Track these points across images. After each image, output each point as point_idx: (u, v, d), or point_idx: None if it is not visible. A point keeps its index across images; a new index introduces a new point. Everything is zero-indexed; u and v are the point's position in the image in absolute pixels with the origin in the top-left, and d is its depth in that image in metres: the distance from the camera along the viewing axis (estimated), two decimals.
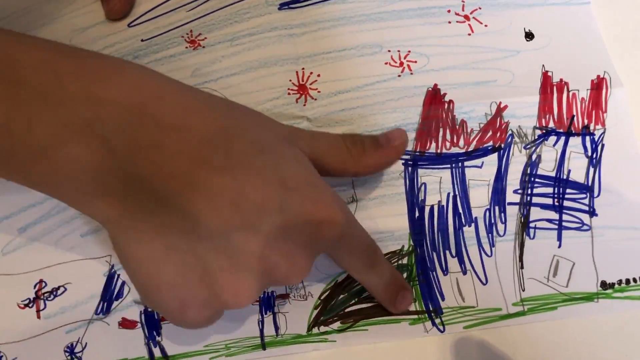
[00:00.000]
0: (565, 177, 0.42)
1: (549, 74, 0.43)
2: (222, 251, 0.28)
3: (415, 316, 0.39)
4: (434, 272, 0.40)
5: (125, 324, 0.37)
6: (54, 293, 0.38)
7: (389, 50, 0.44)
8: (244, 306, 0.30)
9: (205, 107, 0.30)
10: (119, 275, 0.38)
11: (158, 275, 0.28)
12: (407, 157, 0.42)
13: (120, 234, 0.29)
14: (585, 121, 0.43)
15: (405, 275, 0.40)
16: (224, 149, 0.28)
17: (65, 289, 0.38)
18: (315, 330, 0.39)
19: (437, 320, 0.39)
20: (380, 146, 0.38)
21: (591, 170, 0.42)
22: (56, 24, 0.43)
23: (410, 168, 0.41)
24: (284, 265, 0.30)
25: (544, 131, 0.42)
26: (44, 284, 0.38)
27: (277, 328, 0.38)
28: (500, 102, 0.43)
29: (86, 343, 0.37)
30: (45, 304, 0.37)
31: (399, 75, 0.43)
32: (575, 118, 0.43)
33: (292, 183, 0.30)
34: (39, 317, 0.37)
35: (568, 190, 0.41)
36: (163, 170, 0.27)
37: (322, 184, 0.32)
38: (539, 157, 0.42)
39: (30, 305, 0.37)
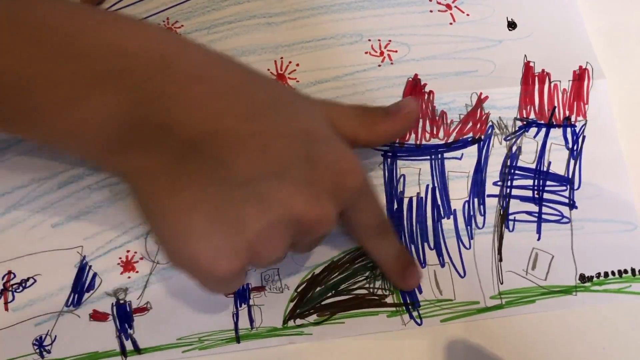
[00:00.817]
0: (545, 169, 0.41)
1: (531, 64, 0.43)
2: (252, 198, 0.28)
3: (393, 309, 0.39)
4: None
5: (97, 316, 0.37)
6: (23, 285, 0.37)
7: (369, 40, 0.43)
8: (273, 259, 0.29)
9: (225, 61, 0.31)
10: (90, 267, 0.37)
11: (189, 225, 0.27)
12: (386, 148, 0.41)
13: (146, 185, 0.28)
14: (567, 112, 0.42)
15: None
16: (247, 98, 0.29)
17: (35, 281, 0.37)
18: (291, 323, 0.38)
19: (415, 313, 0.39)
20: (391, 115, 0.37)
21: (572, 162, 0.41)
22: None
23: (389, 159, 0.41)
24: (312, 211, 0.29)
25: (525, 122, 0.42)
26: (12, 276, 0.37)
27: (252, 321, 0.38)
28: (480, 93, 0.42)
29: (56, 336, 0.36)
30: (13, 296, 0.37)
31: (379, 65, 0.43)
32: (556, 109, 0.42)
33: (315, 135, 0.30)
34: (6, 309, 0.37)
35: (548, 183, 0.41)
36: (191, 118, 0.27)
37: (340, 139, 0.32)
38: (519, 148, 0.41)
39: None
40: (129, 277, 0.37)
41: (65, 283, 0.37)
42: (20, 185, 0.38)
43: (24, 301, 0.37)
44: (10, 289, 0.37)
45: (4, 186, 0.38)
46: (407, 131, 0.41)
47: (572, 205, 0.41)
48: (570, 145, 0.41)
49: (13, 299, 0.37)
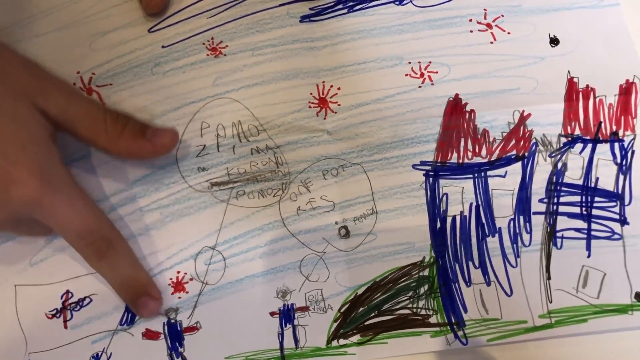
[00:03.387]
0: (593, 185, 0.40)
1: (575, 80, 0.42)
2: None
3: (437, 329, 0.38)
4: (457, 284, 0.39)
5: (149, 334, 0.38)
6: (80, 304, 0.39)
7: (410, 62, 0.44)
8: None
9: None
10: None
11: None
12: (428, 167, 0.41)
13: None
14: (614, 127, 0.41)
15: (426, 286, 0.39)
16: None
17: (91, 300, 0.39)
18: (334, 343, 0.38)
19: (460, 333, 0.38)
20: (143, 137, 0.38)
21: (621, 177, 0.40)
22: (76, 27, 0.44)
23: (431, 179, 0.41)
24: None
25: (570, 138, 0.41)
26: (70, 295, 0.39)
27: (296, 341, 0.38)
28: (523, 110, 0.42)
29: (111, 353, 0.38)
30: (71, 314, 0.39)
31: (420, 87, 0.43)
32: (602, 124, 0.41)
33: None
34: (65, 327, 0.38)
35: (597, 199, 0.40)
36: None
37: (32, 149, 0.34)
38: (564, 165, 0.41)
39: (57, 315, 0.39)
40: (180, 297, 0.39)
41: (120, 302, 0.39)
42: None
43: (82, 319, 0.39)
44: (68, 307, 0.39)
45: None
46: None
47: (623, 221, 0.39)
48: (618, 160, 0.40)
49: (71, 317, 0.39)
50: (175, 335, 0.38)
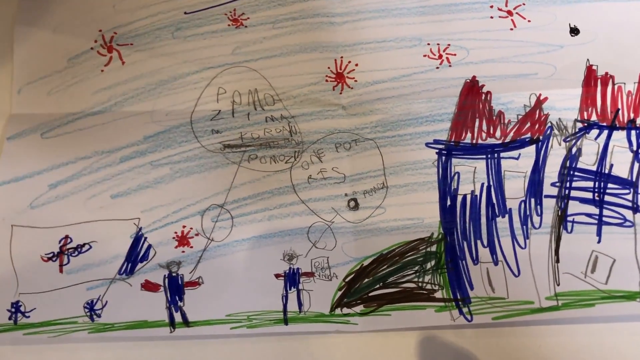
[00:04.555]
0: (607, 171, 0.40)
1: (594, 67, 0.42)
2: None
3: (442, 304, 0.38)
4: (464, 261, 0.39)
5: (148, 286, 0.38)
6: (79, 249, 0.39)
7: (428, 44, 0.44)
8: None
9: None
10: (145, 238, 0.39)
11: None
12: (442, 146, 0.41)
13: None
14: (632, 115, 0.41)
15: (433, 262, 0.39)
16: None
17: (91, 247, 0.39)
18: (338, 311, 0.38)
19: (465, 310, 0.38)
20: None
21: (636, 165, 0.40)
22: None
23: (444, 157, 0.41)
24: None
25: (586, 124, 0.41)
26: (69, 240, 0.39)
27: (300, 305, 0.38)
28: (540, 94, 0.42)
29: (107, 301, 0.38)
30: (68, 259, 0.39)
31: (437, 67, 0.43)
32: (620, 111, 0.41)
33: None
34: (61, 271, 0.38)
35: (610, 185, 0.39)
36: None
37: None
38: (579, 150, 0.40)
39: (53, 259, 0.38)
40: (183, 252, 0.39)
41: (120, 252, 0.39)
42: (83, 156, 0.40)
43: (79, 265, 0.39)
44: (66, 252, 0.39)
45: (68, 156, 0.40)
46: None
47: (636, 209, 0.39)
48: (634, 148, 0.40)
49: (68, 262, 0.39)
50: (176, 288, 0.38)
